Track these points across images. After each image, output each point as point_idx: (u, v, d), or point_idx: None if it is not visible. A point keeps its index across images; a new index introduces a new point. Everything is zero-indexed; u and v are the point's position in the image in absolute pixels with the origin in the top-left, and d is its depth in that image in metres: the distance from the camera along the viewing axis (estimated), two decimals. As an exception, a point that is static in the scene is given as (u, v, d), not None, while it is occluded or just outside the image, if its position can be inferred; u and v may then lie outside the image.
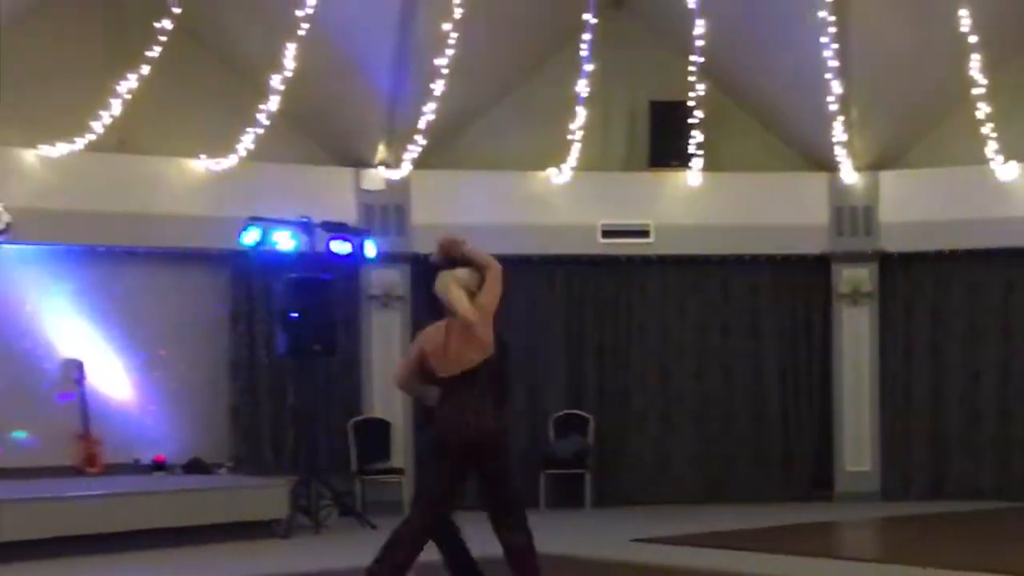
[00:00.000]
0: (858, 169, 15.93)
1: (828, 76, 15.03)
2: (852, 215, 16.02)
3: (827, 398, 16.07)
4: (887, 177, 15.98)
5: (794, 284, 16.22)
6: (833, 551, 12.24)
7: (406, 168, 15.43)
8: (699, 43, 15.32)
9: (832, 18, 14.69)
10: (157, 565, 11.15)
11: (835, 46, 14.84)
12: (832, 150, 15.74)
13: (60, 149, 14.06)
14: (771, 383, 16.12)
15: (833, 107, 15.31)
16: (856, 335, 16.00)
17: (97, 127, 14.20)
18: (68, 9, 14.63)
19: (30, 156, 14.04)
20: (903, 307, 16.12)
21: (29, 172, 14.04)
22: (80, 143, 14.15)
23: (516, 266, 15.52)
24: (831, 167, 15.97)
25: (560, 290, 16.01)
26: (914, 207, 15.85)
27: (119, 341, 14.66)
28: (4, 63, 14.16)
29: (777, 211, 15.89)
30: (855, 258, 15.97)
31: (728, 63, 15.85)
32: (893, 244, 15.93)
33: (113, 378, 14.66)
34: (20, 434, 14.10)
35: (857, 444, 15.86)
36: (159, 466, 14.35)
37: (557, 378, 15.93)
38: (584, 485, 15.36)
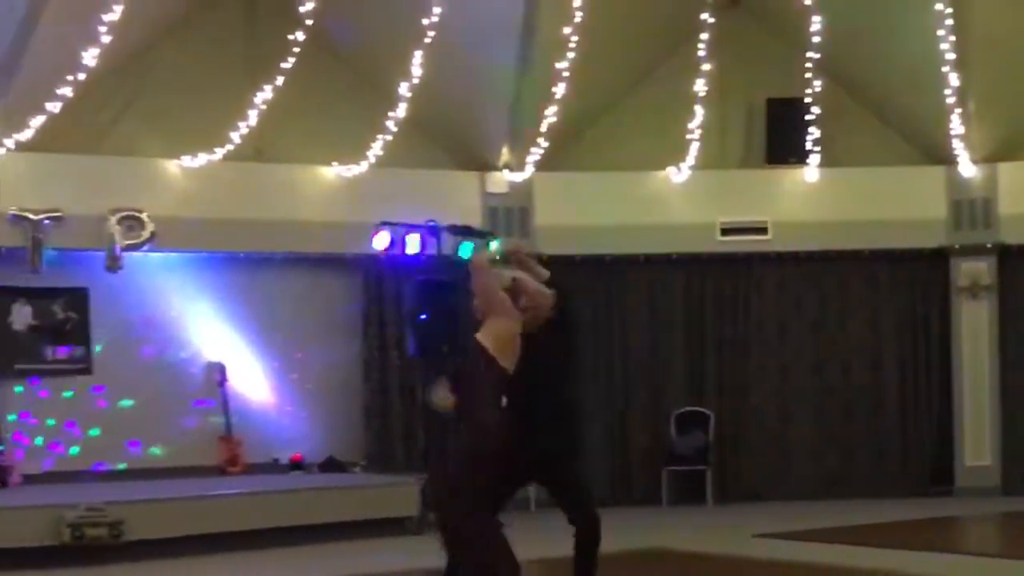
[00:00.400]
0: (976, 162, 15.90)
1: (945, 69, 15.01)
2: (970, 208, 16.01)
3: (946, 392, 16.08)
4: (1005, 169, 15.93)
5: (912, 278, 16.25)
6: (954, 546, 12.33)
7: (529, 171, 15.75)
8: (815, 39, 15.39)
9: (949, 10, 14.68)
10: (294, 561, 11.60)
11: (952, 38, 14.81)
12: (950, 143, 15.75)
13: (200, 159, 14.54)
14: (890, 378, 16.16)
15: (950, 100, 15.29)
16: (975, 329, 15.99)
17: (235, 137, 14.65)
18: (207, 25, 15.13)
19: (172, 166, 14.53)
20: (1023, 300, 16.10)
21: (171, 182, 14.53)
22: (219, 153, 14.62)
23: (635, 265, 16.07)
24: (949, 160, 15.96)
25: (679, 288, 16.21)
26: (1034, 199, 15.81)
27: (258, 344, 15.16)
28: (147, 78, 14.85)
29: (895, 205, 15.91)
30: (974, 251, 15.95)
31: (844, 58, 15.91)
32: (1012, 236, 15.91)
33: (253, 380, 15.16)
34: (160, 437, 14.70)
35: (977, 439, 15.86)
36: (296, 465, 14.81)
37: (677, 375, 16.14)
38: (706, 481, 15.57)
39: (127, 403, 14.52)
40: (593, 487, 15.65)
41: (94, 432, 14.39)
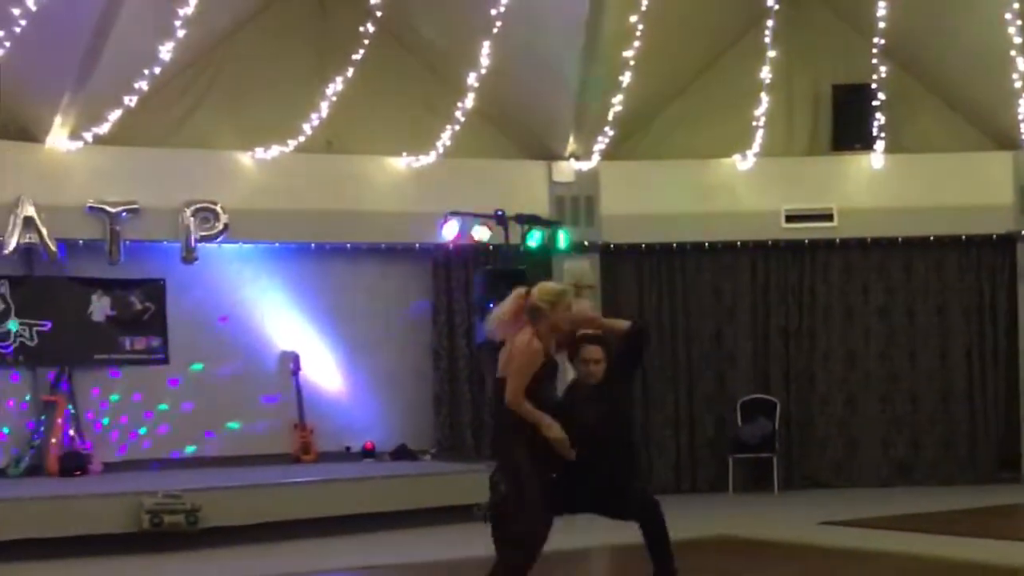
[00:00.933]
0: (1043, 147, 15.86)
1: (1012, 53, 14.90)
2: (1037, 193, 15.96)
3: (1013, 379, 16.00)
4: (1073, 154, 15.84)
5: (979, 264, 16.18)
6: (1022, 534, 12.22)
7: (595, 159, 15.84)
8: (881, 25, 15.34)
9: (1015, -7, 14.62)
10: (367, 547, 11.79)
11: (1019, 23, 14.70)
12: (1017, 128, 15.66)
13: (272, 151, 14.75)
14: (956, 364, 16.12)
15: (1017, 84, 15.16)
16: (1042, 315, 15.94)
17: (306, 129, 14.84)
18: (279, 19, 15.34)
19: (245, 159, 14.76)
20: (1089, 285, 15.98)
21: (244, 174, 14.76)
22: (291, 145, 14.82)
23: (701, 253, 16.14)
24: (1016, 145, 15.88)
25: (745, 275, 16.24)
26: (1101, 183, 15.70)
27: (330, 334, 15.38)
28: (220, 71, 15.10)
29: (961, 191, 15.83)
30: (1041, 237, 15.89)
31: (910, 44, 15.87)
32: (1079, 222, 15.81)
33: (325, 369, 15.37)
34: (234, 425, 14.98)
35: (1045, 425, 15.82)
36: (368, 453, 15.03)
37: (743, 363, 16.19)
38: (772, 469, 15.62)
39: (203, 392, 14.78)
40: (658, 474, 16.00)
41: (171, 421, 14.68)
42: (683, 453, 16.11)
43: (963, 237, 16.06)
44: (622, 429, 8.06)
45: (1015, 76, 15.13)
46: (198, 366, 14.84)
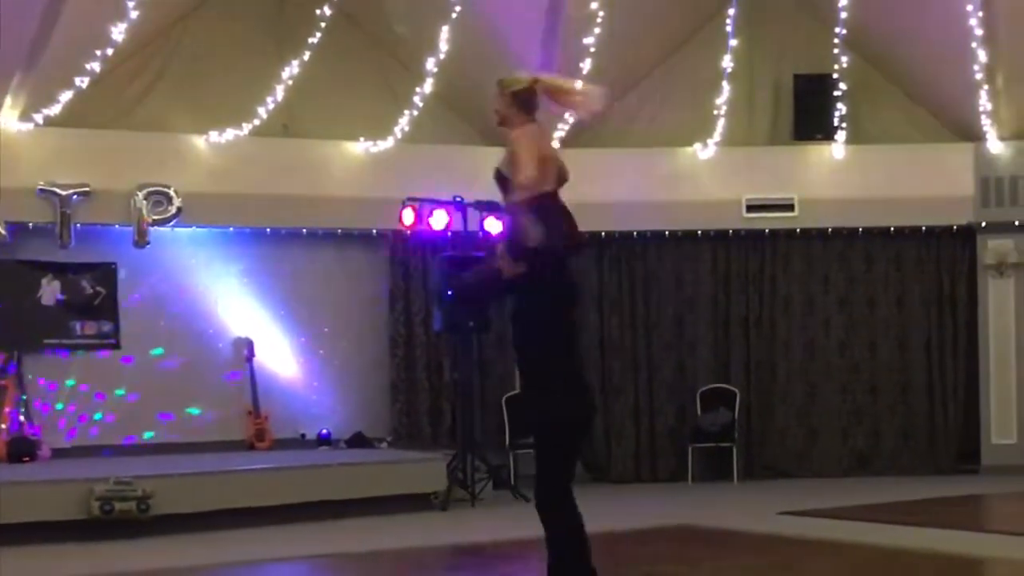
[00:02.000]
0: (1004, 138, 15.82)
1: (973, 45, 14.91)
2: (998, 185, 15.90)
3: (973, 370, 16.02)
4: (1034, 146, 15.85)
5: (939, 256, 16.17)
6: (980, 524, 12.37)
7: (555, 147, 15.70)
8: (843, 15, 15.37)
9: (977, -14, 14.61)
10: (322, 536, 11.64)
11: (980, 14, 14.71)
12: (978, 120, 15.67)
13: (227, 135, 14.58)
14: (916, 355, 16.11)
15: (978, 76, 15.18)
16: (1002, 306, 15.90)
17: (262, 113, 14.70)
18: (234, 1, 15.10)
19: (199, 142, 14.57)
20: (1050, 278, 16.00)
21: (199, 157, 14.57)
22: (246, 128, 14.67)
23: (661, 242, 16.06)
24: (977, 137, 15.88)
25: (706, 265, 16.16)
26: (1061, 176, 15.72)
27: (285, 320, 15.22)
28: (175, 53, 14.89)
29: (922, 182, 15.83)
30: (1001, 229, 15.84)
31: (872, 34, 15.85)
32: (1039, 214, 15.83)
33: (280, 356, 15.21)
34: (188, 412, 14.79)
35: (1004, 416, 15.79)
36: (324, 441, 14.88)
37: (703, 352, 16.11)
38: (732, 458, 15.56)
39: (154, 378, 14.58)
40: (618, 464, 15.99)
41: (122, 407, 14.47)
42: (643, 442, 16.03)
43: (923, 228, 16.07)
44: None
45: (976, 67, 15.15)
46: (150, 351, 14.62)
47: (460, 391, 14.52)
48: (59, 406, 14.27)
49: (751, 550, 10.91)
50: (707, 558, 10.42)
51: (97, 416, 14.41)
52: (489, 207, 14.60)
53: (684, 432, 15.88)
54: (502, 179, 7.07)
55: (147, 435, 14.57)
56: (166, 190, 14.22)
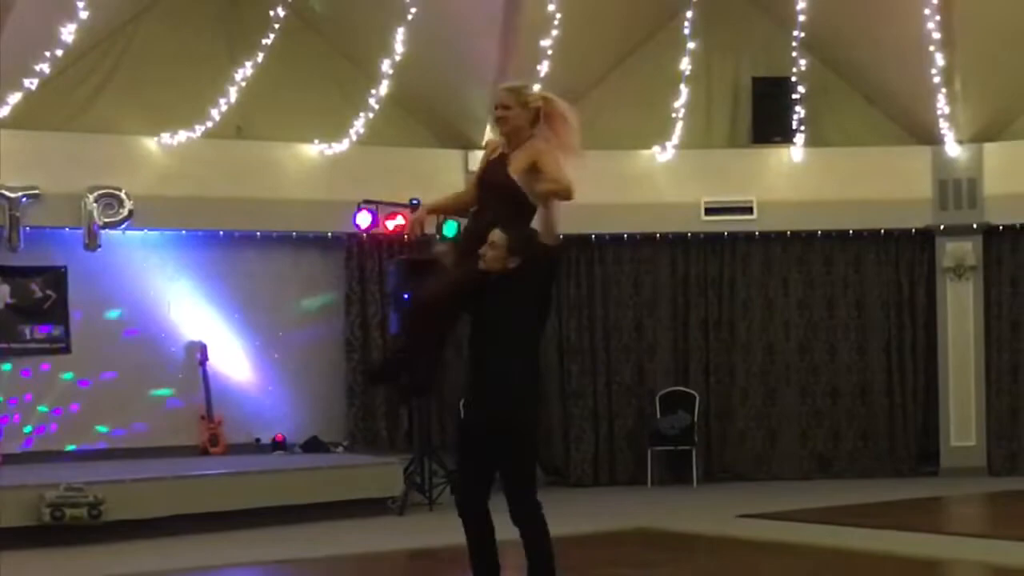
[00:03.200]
0: (961, 142, 15.86)
1: (931, 48, 14.94)
2: (956, 188, 15.95)
3: (932, 373, 16.06)
4: (991, 149, 15.89)
5: (898, 258, 16.20)
6: (939, 527, 12.37)
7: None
8: (801, 18, 15.40)
9: (935, -11, 14.63)
10: (277, 541, 11.51)
11: (938, 18, 14.76)
12: (936, 123, 15.71)
13: (180, 137, 14.41)
14: (876, 358, 16.12)
15: (936, 79, 15.21)
16: (961, 309, 15.96)
17: (215, 114, 14.54)
18: (187, 2, 15.00)
19: (151, 144, 14.40)
20: (1008, 280, 16.04)
21: (150, 160, 14.40)
22: (199, 130, 14.50)
23: (620, 244, 16.00)
24: (934, 140, 15.93)
25: (664, 268, 16.12)
26: (1019, 179, 15.70)
27: (239, 324, 15.05)
28: (126, 54, 14.73)
29: (880, 185, 15.84)
30: (959, 232, 15.91)
31: (830, 38, 15.88)
32: (998, 217, 15.86)
33: (234, 360, 15.05)
34: (140, 417, 14.59)
35: (962, 419, 15.85)
36: (279, 445, 14.73)
37: (662, 355, 16.06)
38: (691, 461, 15.50)
39: (106, 382, 14.40)
40: (577, 466, 15.97)
41: (73, 412, 14.28)
42: (602, 445, 15.96)
43: (882, 231, 16.12)
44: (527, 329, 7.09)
45: (934, 71, 15.20)
46: (101, 356, 14.43)
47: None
48: (9, 412, 14.03)
49: (710, 553, 10.94)
50: (666, 561, 10.37)
51: (48, 421, 14.21)
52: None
53: (643, 435, 15.81)
54: (505, 184, 7.00)
55: (98, 440, 14.34)
56: (117, 193, 14.04)
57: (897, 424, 16.12)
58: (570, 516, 12.75)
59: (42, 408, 14.22)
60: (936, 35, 14.89)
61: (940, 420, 15.96)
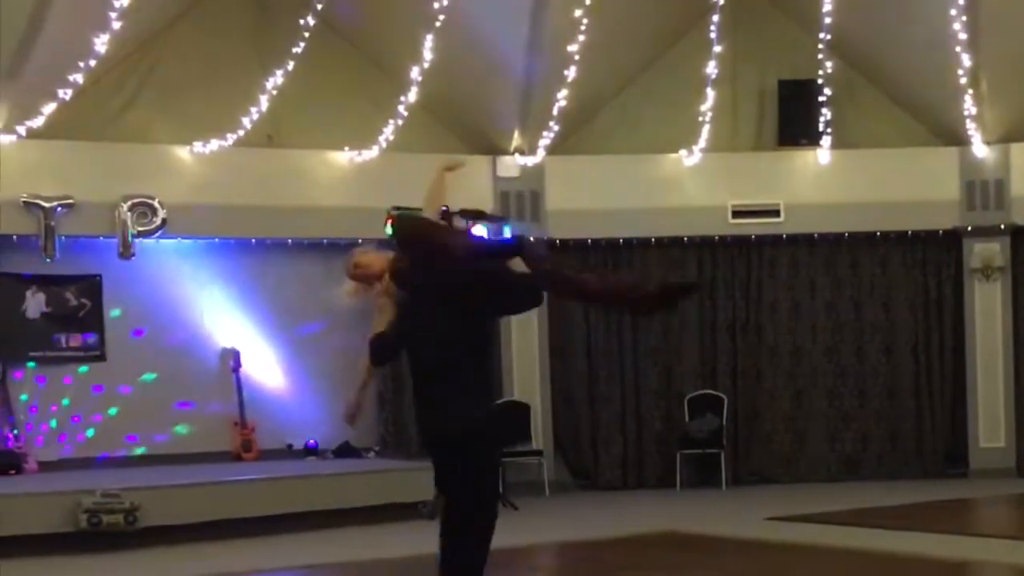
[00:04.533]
0: (988, 142, 15.86)
1: (957, 49, 14.93)
2: (983, 189, 15.94)
3: (960, 374, 16.05)
4: (1018, 149, 15.85)
5: (925, 260, 16.21)
6: (968, 528, 12.29)
7: (540, 154, 15.73)
8: (827, 20, 15.39)
9: (961, -10, 14.64)
10: (309, 546, 11.62)
11: (964, 18, 14.73)
12: (962, 124, 15.70)
13: (212, 145, 14.54)
14: (903, 359, 16.13)
15: (963, 80, 15.20)
16: (988, 310, 15.94)
17: (246, 123, 14.66)
18: (217, 10, 15.13)
19: (184, 153, 14.54)
20: (1036, 281, 16.04)
21: (183, 168, 14.54)
22: (230, 139, 14.62)
23: (647, 248, 16.06)
24: (961, 141, 15.93)
25: (691, 271, 16.13)
26: (1046, 179, 15.73)
27: (271, 330, 15.19)
28: (158, 64, 14.87)
29: (907, 187, 15.85)
30: (986, 232, 15.90)
31: (856, 39, 15.89)
32: (1025, 217, 15.86)
33: (266, 366, 15.19)
34: (174, 423, 14.76)
35: (991, 420, 15.83)
36: (311, 451, 14.86)
37: (690, 359, 16.13)
38: (720, 464, 15.56)
39: (140, 389, 14.54)
40: (605, 471, 16.05)
41: (108, 419, 14.44)
42: (630, 449, 16.02)
43: (909, 233, 16.11)
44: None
45: (960, 72, 15.17)
46: (136, 363, 14.59)
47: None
48: (45, 419, 14.21)
49: (738, 556, 10.94)
50: (695, 564, 10.42)
51: (83, 428, 14.38)
52: (475, 215, 14.57)
53: (672, 438, 15.88)
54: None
55: (133, 447, 14.51)
56: (151, 201, 14.18)
57: (925, 426, 16.12)
58: (599, 519, 12.87)
59: (77, 415, 14.36)
60: (962, 36, 14.85)
61: (968, 421, 15.94)
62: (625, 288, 6.66)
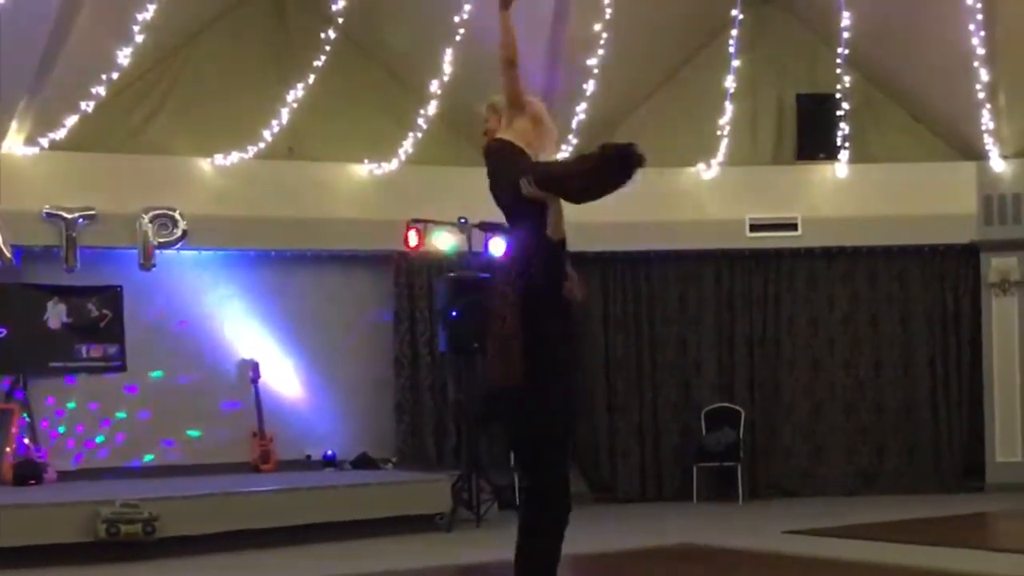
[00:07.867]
0: (1006, 156, 15.84)
1: (975, 64, 14.96)
2: (1001, 203, 15.92)
3: (977, 388, 16.01)
4: (1036, 164, 15.86)
5: (943, 274, 16.19)
6: (986, 542, 12.29)
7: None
8: (845, 35, 15.44)
9: (978, 5, 14.62)
10: (327, 557, 11.63)
11: (982, 33, 14.76)
12: (980, 138, 15.70)
13: (232, 158, 14.62)
14: (921, 374, 16.12)
15: (980, 95, 15.22)
16: (1005, 324, 15.91)
17: (267, 135, 14.75)
18: (239, 23, 15.22)
19: (205, 165, 14.60)
20: (1053, 295, 16.00)
21: (204, 180, 14.60)
22: (251, 151, 14.70)
23: (665, 261, 16.09)
24: (979, 155, 15.91)
25: (709, 285, 16.19)
26: (1065, 193, 15.72)
27: (290, 342, 15.23)
28: (180, 77, 14.98)
29: (925, 201, 15.84)
30: (1004, 247, 15.87)
31: (874, 54, 15.91)
32: (1042, 232, 15.82)
33: (285, 378, 15.23)
34: (193, 434, 14.81)
35: (1008, 434, 15.79)
36: (329, 462, 14.89)
37: (708, 372, 16.14)
38: (737, 477, 15.57)
39: (160, 400, 14.60)
40: (623, 483, 16.05)
41: (127, 429, 14.50)
42: (648, 462, 16.04)
43: (927, 247, 16.10)
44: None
45: (979, 86, 15.19)
46: (156, 374, 14.66)
47: (465, 411, 14.51)
48: (65, 429, 14.28)
49: (755, 569, 10.92)
50: (711, 577, 10.45)
51: (103, 439, 14.42)
52: (493, 227, 14.64)
53: (689, 451, 15.86)
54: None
55: (152, 458, 14.56)
56: (171, 213, 14.24)
57: (943, 440, 16.10)
58: (616, 531, 12.87)
59: (97, 426, 14.42)
60: (980, 51, 14.88)
61: (985, 435, 15.90)
62: (573, 168, 7.02)
